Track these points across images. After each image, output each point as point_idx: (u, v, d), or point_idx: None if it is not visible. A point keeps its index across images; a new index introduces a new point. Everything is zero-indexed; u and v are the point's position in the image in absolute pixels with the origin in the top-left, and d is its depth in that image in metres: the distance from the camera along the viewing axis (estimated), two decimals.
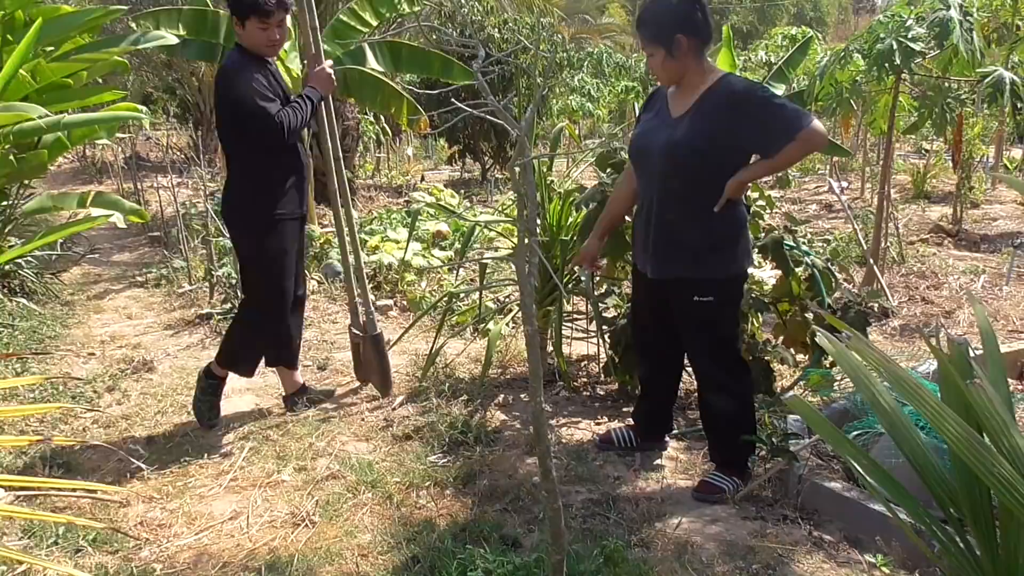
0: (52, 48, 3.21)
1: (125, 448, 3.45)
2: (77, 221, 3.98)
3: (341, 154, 3.61)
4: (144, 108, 4.68)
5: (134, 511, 2.97)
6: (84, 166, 13.86)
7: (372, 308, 4.00)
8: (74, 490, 2.92)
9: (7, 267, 5.63)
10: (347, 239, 3.92)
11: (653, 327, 3.19)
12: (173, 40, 3.45)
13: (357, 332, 4.03)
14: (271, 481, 3.17)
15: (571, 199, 4.05)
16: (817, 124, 2.67)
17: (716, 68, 2.86)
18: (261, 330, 3.72)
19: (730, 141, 2.77)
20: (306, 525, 2.85)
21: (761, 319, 3.96)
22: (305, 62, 5.48)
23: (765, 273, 4.00)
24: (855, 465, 1.86)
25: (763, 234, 3.74)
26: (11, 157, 3.15)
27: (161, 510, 2.98)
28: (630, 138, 3.03)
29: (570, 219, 4.12)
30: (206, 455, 3.40)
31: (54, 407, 3.55)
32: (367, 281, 4.11)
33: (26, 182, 5.52)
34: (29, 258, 5.90)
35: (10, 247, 4.71)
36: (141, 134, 14.87)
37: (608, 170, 3.85)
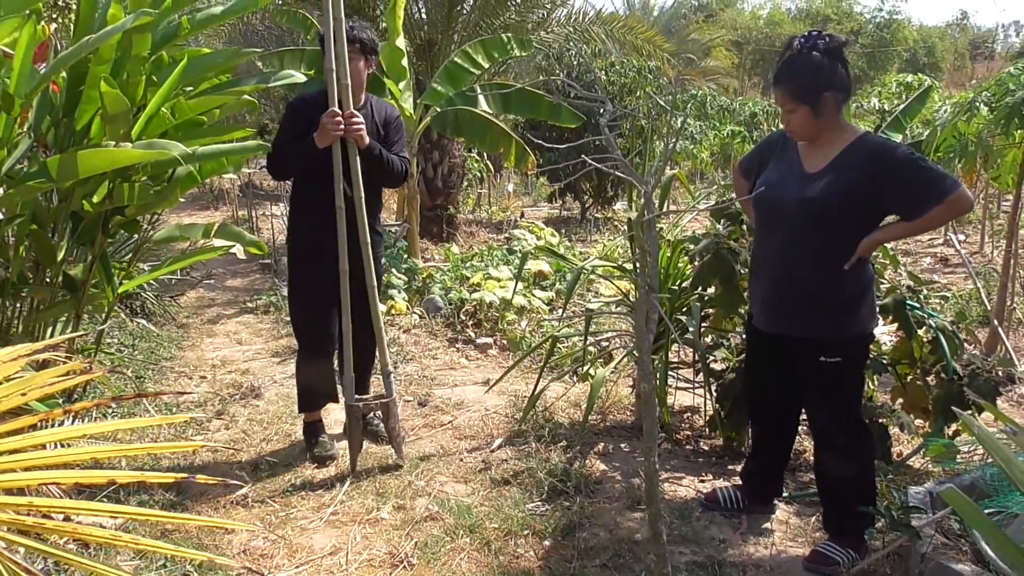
0: (191, 88, 3.39)
1: (231, 475, 3.55)
2: (200, 250, 4.17)
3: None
4: (261, 140, 4.89)
5: (238, 539, 3.03)
6: (203, 192, 14.56)
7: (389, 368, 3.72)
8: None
9: (132, 290, 5.93)
10: (373, 297, 3.61)
11: (769, 386, 3.08)
12: (302, 78, 3.59)
13: (368, 401, 3.67)
14: (371, 518, 3.19)
15: (680, 247, 3.98)
16: (964, 188, 2.59)
17: (852, 125, 2.78)
18: (297, 365, 3.84)
19: (869, 200, 2.67)
20: (404, 566, 2.84)
21: (877, 381, 3.77)
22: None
23: (881, 331, 3.82)
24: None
25: (883, 293, 3.58)
26: (150, 191, 3.33)
27: (263, 540, 3.03)
28: (757, 187, 2.93)
29: (678, 267, 4.05)
30: (307, 486, 3.46)
31: (196, 445, 3.62)
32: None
33: (156, 212, 5.81)
34: (151, 282, 6.20)
35: (139, 273, 4.96)
36: (255, 163, 15.52)
37: (724, 221, 3.77)
